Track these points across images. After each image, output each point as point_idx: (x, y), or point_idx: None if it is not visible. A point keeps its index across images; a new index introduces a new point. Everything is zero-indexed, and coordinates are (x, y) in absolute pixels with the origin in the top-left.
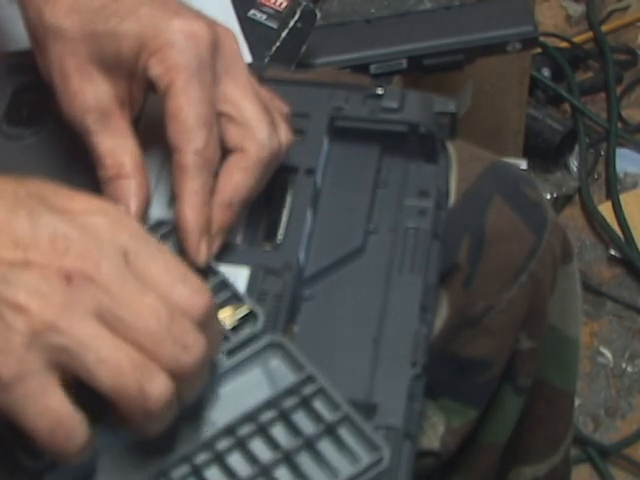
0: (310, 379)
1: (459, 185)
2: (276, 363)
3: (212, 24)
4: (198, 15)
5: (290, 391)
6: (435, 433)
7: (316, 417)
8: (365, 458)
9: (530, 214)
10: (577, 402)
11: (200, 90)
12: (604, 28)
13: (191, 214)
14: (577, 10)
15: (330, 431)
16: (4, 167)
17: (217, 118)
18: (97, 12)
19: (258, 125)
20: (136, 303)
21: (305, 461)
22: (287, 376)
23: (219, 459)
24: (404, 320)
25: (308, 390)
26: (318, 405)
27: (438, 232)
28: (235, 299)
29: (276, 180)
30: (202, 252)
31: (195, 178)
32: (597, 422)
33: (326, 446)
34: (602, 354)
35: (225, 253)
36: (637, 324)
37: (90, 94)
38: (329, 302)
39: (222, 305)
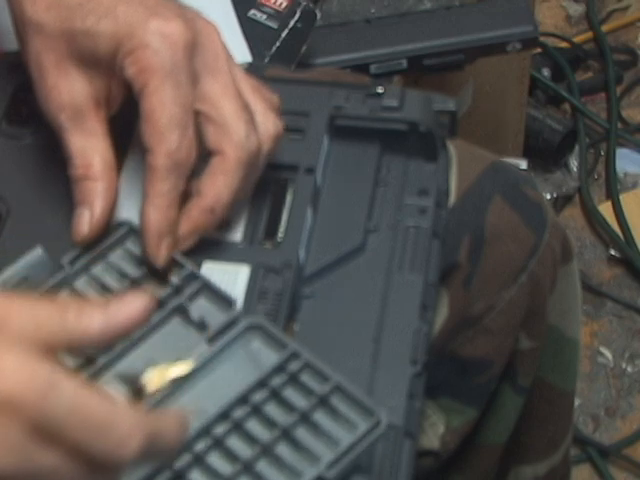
0: (295, 355)
1: (459, 184)
2: (258, 344)
3: (192, 22)
4: (178, 13)
5: (277, 369)
6: (435, 433)
7: (307, 391)
8: (362, 424)
9: (530, 214)
10: (577, 402)
11: (174, 91)
12: (604, 28)
13: (154, 216)
14: (577, 10)
15: (323, 403)
16: (4, 166)
17: (196, 117)
18: (75, 9)
19: (235, 125)
20: None
21: (303, 435)
22: (271, 356)
23: (218, 444)
24: (404, 318)
25: (294, 366)
26: (306, 379)
27: (438, 231)
28: (207, 289)
29: (276, 179)
30: (161, 256)
31: (164, 180)
32: (597, 422)
33: (321, 418)
34: (602, 354)
35: (225, 252)
36: (637, 324)
37: (65, 91)
38: (329, 300)
39: (193, 297)
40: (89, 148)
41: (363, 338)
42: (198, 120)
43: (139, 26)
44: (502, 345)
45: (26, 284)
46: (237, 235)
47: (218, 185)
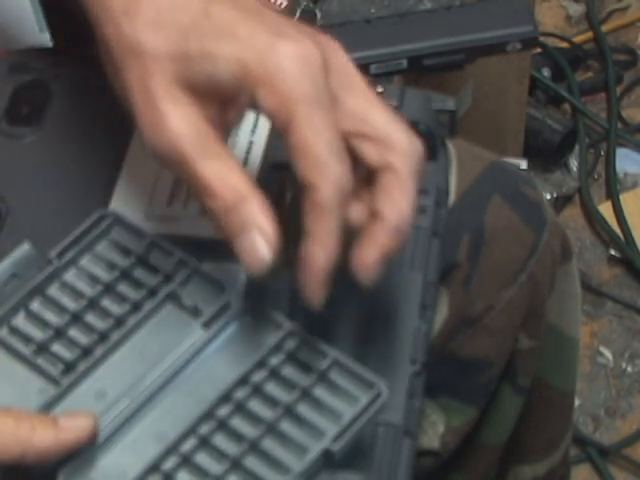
0: (291, 334)
1: (459, 184)
2: (254, 326)
3: (317, 39)
4: (301, 30)
5: (274, 349)
6: (435, 432)
7: (306, 368)
8: (363, 397)
9: (529, 213)
10: (577, 402)
11: (324, 118)
12: (604, 28)
13: (322, 255)
14: (577, 10)
15: (323, 378)
16: (4, 166)
17: (348, 139)
18: (187, 29)
19: (395, 135)
20: None
21: (306, 411)
22: (268, 336)
23: (222, 426)
24: (404, 317)
25: (291, 344)
26: (304, 356)
27: (438, 230)
28: (198, 275)
29: (276, 178)
30: (323, 294)
31: (331, 215)
32: (597, 422)
33: (322, 394)
34: (602, 354)
35: (225, 251)
36: (637, 324)
37: (182, 117)
38: (328, 299)
39: (184, 283)
40: (226, 171)
41: (363, 337)
42: (350, 141)
43: (268, 50)
44: (502, 345)
45: (15, 281)
46: None
47: (398, 202)
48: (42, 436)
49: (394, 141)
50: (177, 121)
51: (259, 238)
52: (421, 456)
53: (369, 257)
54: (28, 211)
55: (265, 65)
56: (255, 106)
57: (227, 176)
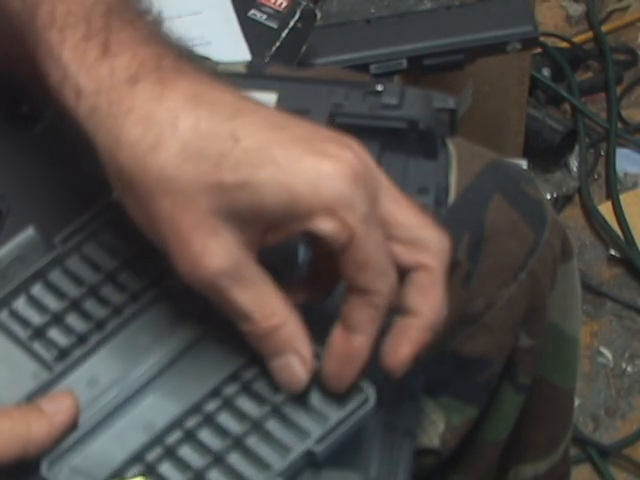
0: None
1: (459, 182)
2: None
3: (349, 146)
4: (331, 140)
5: None
6: (435, 431)
7: None
8: (351, 401)
9: (530, 211)
10: (577, 402)
11: (378, 229)
12: (604, 28)
13: (369, 348)
14: (577, 10)
15: (312, 380)
16: (5, 164)
17: None
18: (218, 160)
19: (426, 235)
20: None
21: (293, 412)
22: None
23: (209, 421)
24: None
25: None
26: None
27: None
28: None
29: None
30: (353, 380)
31: (384, 314)
32: (597, 422)
33: (313, 396)
34: (602, 354)
35: None
36: (637, 324)
37: (220, 253)
38: (328, 298)
39: None
40: (262, 297)
41: None
42: None
43: (315, 175)
44: (502, 343)
45: (19, 264)
46: None
47: (433, 300)
48: (38, 428)
49: (425, 242)
50: (213, 258)
51: (296, 361)
52: (422, 455)
53: (403, 353)
54: (29, 209)
55: (319, 192)
56: (306, 231)
57: (263, 302)
